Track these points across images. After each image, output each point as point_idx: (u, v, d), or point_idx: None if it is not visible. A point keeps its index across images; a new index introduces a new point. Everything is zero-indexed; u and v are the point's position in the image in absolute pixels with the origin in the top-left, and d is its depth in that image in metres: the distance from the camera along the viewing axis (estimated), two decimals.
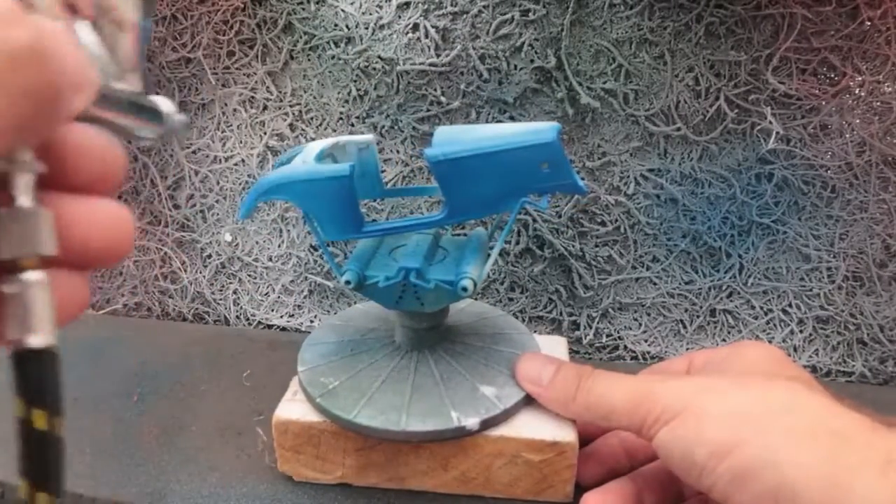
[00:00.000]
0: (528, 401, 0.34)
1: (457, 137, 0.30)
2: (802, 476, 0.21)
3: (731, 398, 0.25)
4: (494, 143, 0.29)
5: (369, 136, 0.36)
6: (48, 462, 0.16)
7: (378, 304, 0.35)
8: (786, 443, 0.22)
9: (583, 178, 0.46)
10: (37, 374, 0.14)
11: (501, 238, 0.33)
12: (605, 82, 0.44)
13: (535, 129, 0.29)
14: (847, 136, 0.42)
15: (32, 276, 0.14)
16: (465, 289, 0.31)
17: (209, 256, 0.56)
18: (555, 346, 0.40)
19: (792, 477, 0.21)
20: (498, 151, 0.29)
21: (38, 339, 0.14)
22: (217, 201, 0.54)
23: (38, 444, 0.16)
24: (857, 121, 0.42)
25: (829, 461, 0.21)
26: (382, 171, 0.50)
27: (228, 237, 0.55)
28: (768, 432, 0.23)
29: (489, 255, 0.33)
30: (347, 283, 0.33)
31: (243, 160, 0.52)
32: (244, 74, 0.50)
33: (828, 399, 0.24)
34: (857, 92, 0.42)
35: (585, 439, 0.34)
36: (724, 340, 0.48)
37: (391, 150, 0.49)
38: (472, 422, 0.31)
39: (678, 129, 0.44)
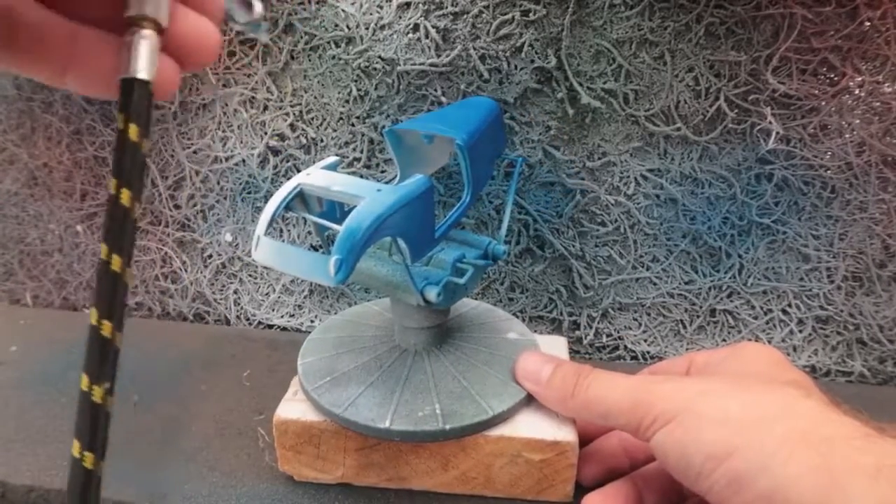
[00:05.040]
0: (525, 403, 0.34)
1: (437, 124, 0.32)
2: (796, 483, 0.21)
3: (728, 402, 0.25)
4: (481, 117, 0.31)
5: (333, 158, 0.34)
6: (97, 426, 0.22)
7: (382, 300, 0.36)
8: (780, 449, 0.22)
9: (583, 179, 0.47)
10: (136, 99, 0.18)
11: (511, 192, 0.37)
12: (605, 82, 0.44)
13: (480, 102, 0.35)
14: (847, 136, 0.43)
15: (147, 33, 0.18)
16: (503, 252, 0.35)
17: (210, 256, 0.56)
18: (555, 345, 0.40)
19: (786, 483, 0.22)
20: (487, 125, 0.33)
21: (143, 74, 0.18)
22: (218, 201, 0.54)
23: (91, 410, 0.21)
24: (857, 121, 0.42)
25: (822, 468, 0.21)
26: (382, 172, 0.50)
27: (229, 237, 0.55)
28: (764, 438, 0.23)
29: (504, 214, 0.37)
30: (438, 295, 0.32)
31: (244, 160, 0.52)
32: (245, 74, 0.50)
33: (823, 405, 0.24)
34: (856, 92, 0.42)
35: (585, 439, 0.34)
36: (724, 340, 0.48)
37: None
38: (460, 424, 0.31)
39: (678, 130, 0.44)
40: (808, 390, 0.26)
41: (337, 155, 0.50)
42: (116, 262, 0.18)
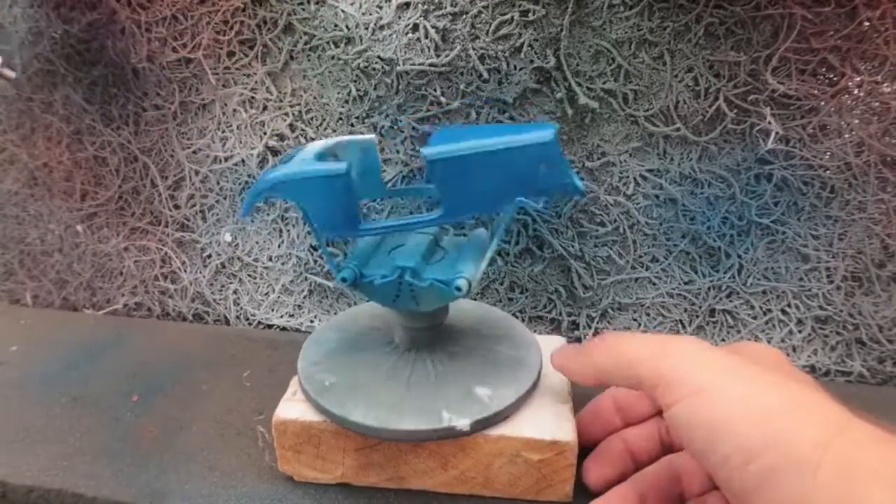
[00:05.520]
0: (525, 401, 0.34)
1: (454, 137, 0.30)
2: (822, 487, 0.21)
3: (762, 392, 0.24)
4: (491, 143, 0.29)
5: (371, 136, 0.36)
6: None
7: (376, 303, 0.35)
8: (813, 454, 0.22)
9: (582, 179, 0.47)
10: None
11: (496, 239, 0.33)
12: (604, 82, 0.44)
13: (533, 129, 0.29)
14: (846, 136, 0.43)
15: None
16: (459, 288, 0.31)
17: (209, 256, 0.56)
18: (554, 346, 0.40)
19: (814, 490, 0.21)
20: (495, 151, 0.29)
21: None
22: (217, 201, 0.54)
23: None
24: (856, 121, 0.42)
25: (846, 474, 0.21)
26: (382, 172, 0.50)
27: (228, 237, 0.55)
28: (799, 439, 0.22)
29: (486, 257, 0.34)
30: (343, 280, 0.33)
31: (243, 160, 0.52)
32: (244, 75, 0.50)
33: (842, 408, 0.24)
34: (855, 92, 0.42)
35: (590, 442, 0.34)
36: (723, 340, 0.48)
37: (391, 151, 0.49)
38: (462, 422, 0.31)
39: (677, 130, 0.44)
40: (818, 391, 0.25)
41: None
42: None
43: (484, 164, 0.29)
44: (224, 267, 0.56)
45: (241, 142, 0.52)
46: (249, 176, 0.52)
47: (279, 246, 0.54)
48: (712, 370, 0.25)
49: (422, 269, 0.33)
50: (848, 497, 0.21)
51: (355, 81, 0.48)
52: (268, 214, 0.53)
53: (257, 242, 0.54)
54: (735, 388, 0.24)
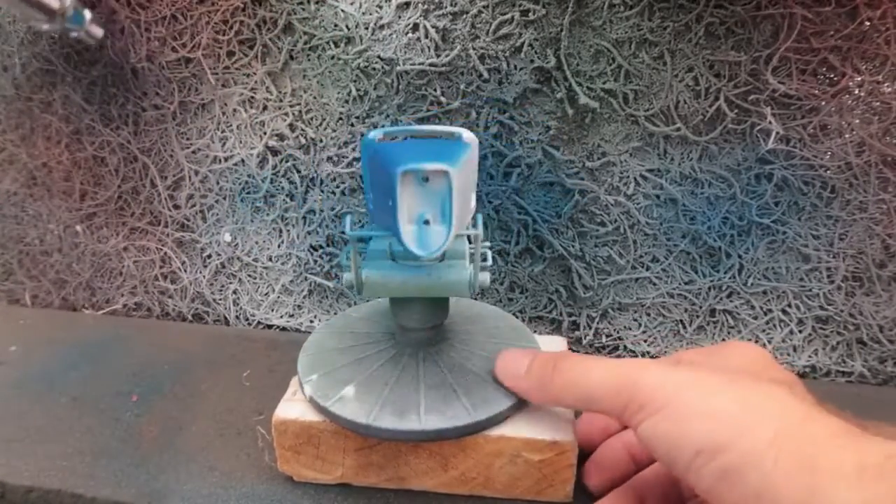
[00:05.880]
0: (523, 403, 0.34)
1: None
2: (783, 482, 0.22)
3: (717, 395, 0.25)
4: None
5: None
6: None
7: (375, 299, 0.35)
8: (770, 447, 0.22)
9: (582, 179, 0.47)
10: None
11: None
12: (604, 82, 0.44)
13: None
14: (846, 136, 0.43)
15: None
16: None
17: (209, 256, 0.56)
18: (554, 346, 0.40)
19: (776, 482, 0.22)
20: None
21: None
22: (217, 201, 0.54)
23: None
24: (857, 121, 0.42)
25: (807, 468, 0.21)
26: None
27: (228, 237, 0.55)
28: (754, 435, 0.23)
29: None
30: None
31: (243, 160, 0.52)
32: (244, 74, 0.50)
33: (808, 404, 0.24)
34: (856, 92, 0.42)
35: (590, 447, 0.34)
36: (723, 340, 0.48)
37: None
38: (462, 423, 0.31)
39: (678, 130, 0.44)
40: (792, 387, 0.26)
41: (336, 155, 0.50)
42: None
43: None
44: (224, 267, 0.56)
45: (240, 142, 0.52)
46: (249, 176, 0.52)
47: (279, 246, 0.54)
48: (671, 387, 0.26)
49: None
50: (810, 490, 0.21)
51: (355, 81, 0.48)
52: (267, 214, 0.53)
53: (257, 242, 0.54)
54: (692, 398, 0.25)
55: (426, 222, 0.28)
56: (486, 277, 0.33)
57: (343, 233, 0.30)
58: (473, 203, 0.33)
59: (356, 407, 0.32)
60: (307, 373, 0.35)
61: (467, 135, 0.31)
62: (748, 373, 0.27)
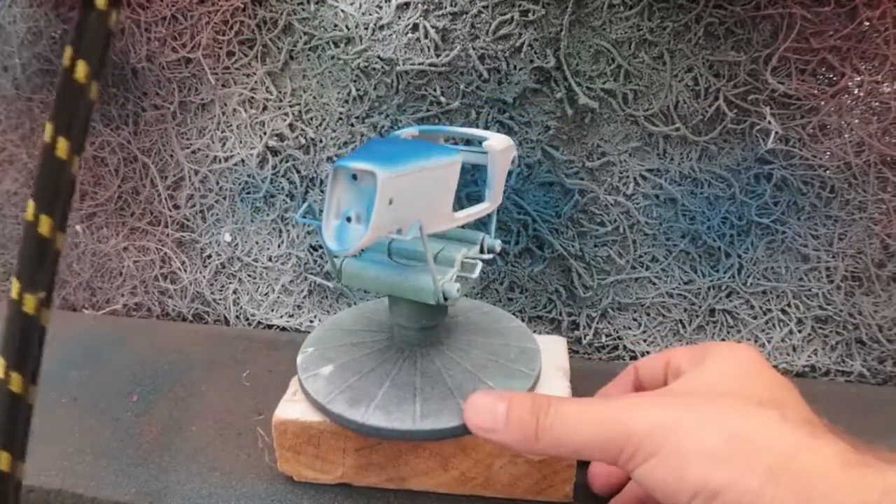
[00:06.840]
0: None
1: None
2: None
3: (709, 435, 0.25)
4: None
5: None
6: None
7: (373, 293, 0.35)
8: (766, 486, 0.22)
9: (582, 179, 0.47)
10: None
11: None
12: (604, 82, 0.44)
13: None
14: (846, 136, 0.43)
15: None
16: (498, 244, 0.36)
17: (209, 256, 0.56)
18: (554, 345, 0.40)
19: None
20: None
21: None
22: (217, 201, 0.54)
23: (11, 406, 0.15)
24: (856, 121, 0.42)
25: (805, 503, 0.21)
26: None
27: (228, 237, 0.55)
28: (750, 474, 0.23)
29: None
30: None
31: (243, 160, 0.52)
32: (244, 74, 0.50)
33: (801, 427, 0.24)
34: (855, 92, 0.42)
35: (609, 492, 0.34)
36: (723, 340, 0.48)
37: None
38: (462, 423, 0.31)
39: (677, 130, 0.44)
40: (784, 410, 0.25)
41: (336, 155, 0.50)
42: (62, 146, 0.15)
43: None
44: (224, 267, 0.56)
45: (240, 142, 0.52)
46: (249, 176, 0.52)
47: (279, 246, 0.54)
48: (663, 430, 0.25)
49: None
50: None
51: (355, 81, 0.48)
52: (267, 214, 0.53)
53: (257, 242, 0.54)
54: (683, 440, 0.25)
55: (349, 219, 0.28)
56: (452, 288, 0.32)
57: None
58: (447, 210, 0.33)
59: (351, 404, 0.32)
60: (307, 373, 0.35)
61: (488, 143, 0.31)
62: (737, 394, 0.27)
